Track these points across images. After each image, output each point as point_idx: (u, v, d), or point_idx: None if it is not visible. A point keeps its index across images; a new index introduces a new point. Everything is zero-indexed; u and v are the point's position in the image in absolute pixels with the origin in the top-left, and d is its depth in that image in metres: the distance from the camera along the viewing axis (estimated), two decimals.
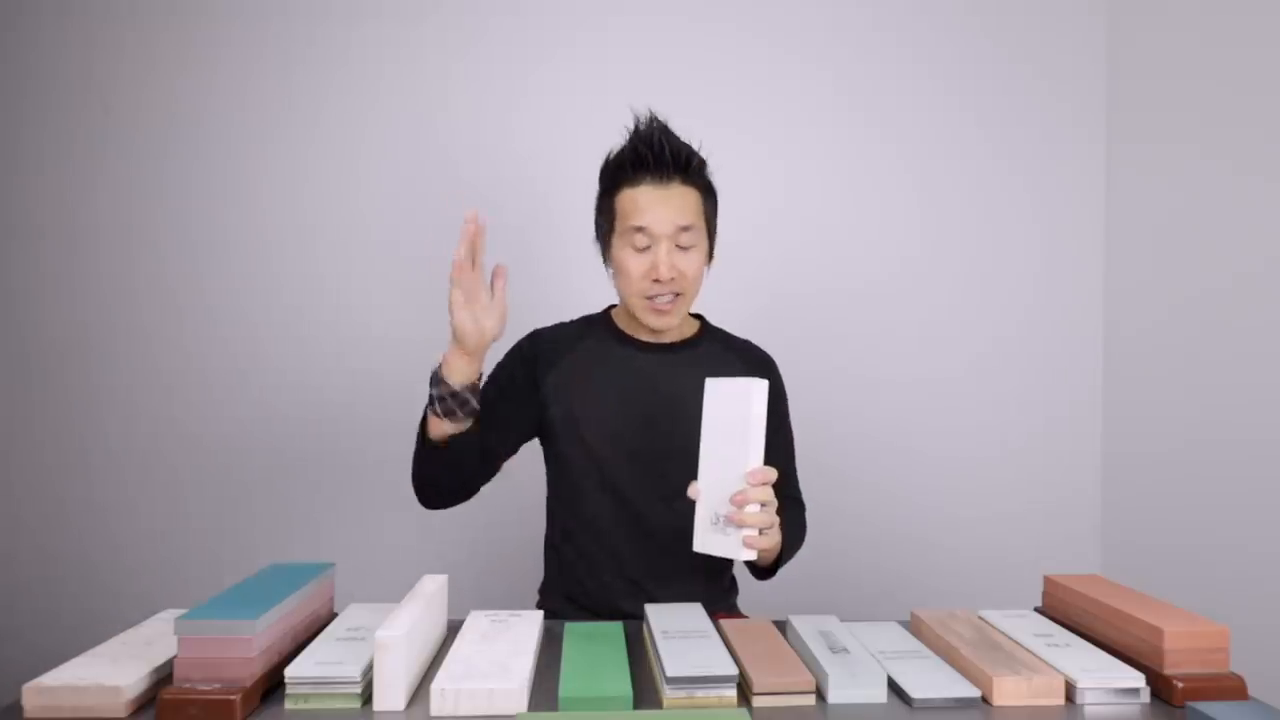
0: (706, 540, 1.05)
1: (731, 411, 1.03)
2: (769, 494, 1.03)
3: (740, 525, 1.01)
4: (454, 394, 1.16)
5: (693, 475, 1.09)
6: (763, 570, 1.29)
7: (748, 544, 1.01)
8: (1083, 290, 2.18)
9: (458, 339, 1.13)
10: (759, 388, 1.02)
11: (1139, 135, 2.08)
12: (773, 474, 1.03)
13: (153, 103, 2.05)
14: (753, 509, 1.01)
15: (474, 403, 1.17)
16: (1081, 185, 2.17)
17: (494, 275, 1.16)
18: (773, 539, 1.06)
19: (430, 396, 1.17)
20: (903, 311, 2.15)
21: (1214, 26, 1.86)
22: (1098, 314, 2.18)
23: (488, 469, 1.32)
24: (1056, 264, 2.17)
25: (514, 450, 1.38)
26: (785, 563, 1.29)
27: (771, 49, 2.12)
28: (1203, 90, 1.88)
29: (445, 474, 1.25)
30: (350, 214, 2.08)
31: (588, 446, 1.33)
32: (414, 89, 2.08)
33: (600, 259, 1.38)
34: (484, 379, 1.35)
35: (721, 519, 1.03)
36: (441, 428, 1.19)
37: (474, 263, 1.12)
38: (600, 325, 1.41)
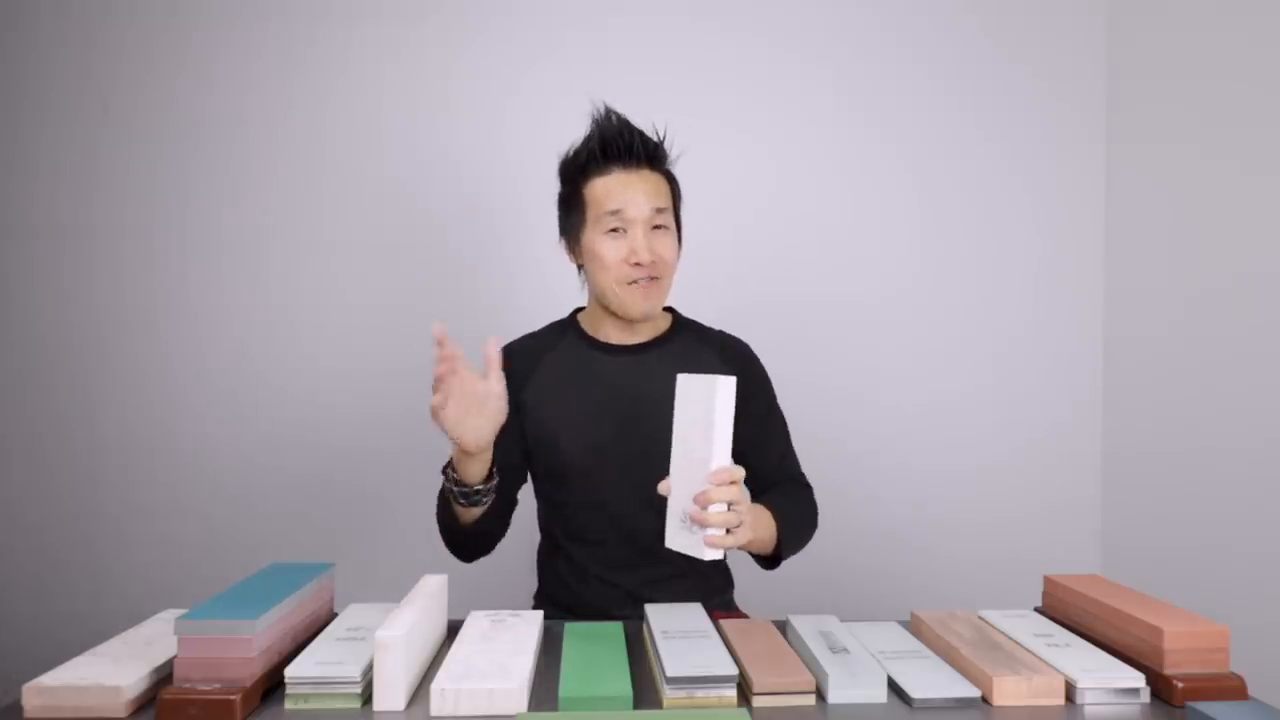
0: (675, 538, 1.04)
1: (699, 409, 1.01)
2: (734, 493, 0.99)
3: (703, 525, 0.98)
4: (476, 490, 1.16)
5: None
6: (766, 560, 1.27)
7: (709, 543, 0.99)
8: (1083, 291, 2.17)
9: (455, 443, 1.10)
10: (725, 385, 0.99)
11: (1139, 135, 2.08)
12: (739, 473, 1.00)
13: (152, 103, 2.05)
14: (717, 508, 0.98)
15: (493, 487, 1.18)
16: (1081, 185, 2.17)
17: (487, 360, 1.07)
18: (741, 537, 1.04)
19: (451, 492, 1.17)
20: (903, 312, 2.15)
21: (1214, 26, 1.86)
22: (1098, 315, 2.18)
23: (511, 509, 1.35)
24: (1056, 265, 2.17)
25: (525, 479, 1.39)
26: (793, 549, 1.27)
27: (771, 49, 2.12)
28: (1203, 90, 1.88)
29: (484, 539, 1.28)
30: (349, 214, 2.08)
31: (567, 459, 1.32)
32: (414, 90, 2.08)
33: (566, 259, 1.38)
34: None
35: (689, 517, 1.01)
36: (470, 514, 1.20)
37: (455, 370, 1.05)
38: (569, 331, 1.39)
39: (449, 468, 1.17)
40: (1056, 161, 2.16)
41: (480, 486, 1.16)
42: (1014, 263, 2.17)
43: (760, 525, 1.14)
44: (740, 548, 1.10)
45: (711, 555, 1.00)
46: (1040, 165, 2.16)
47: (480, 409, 1.08)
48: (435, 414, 1.06)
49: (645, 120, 1.33)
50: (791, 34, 2.12)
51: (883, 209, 2.15)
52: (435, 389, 1.05)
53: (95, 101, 2.05)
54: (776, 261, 2.13)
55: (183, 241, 2.07)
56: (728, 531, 1.00)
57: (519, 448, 1.34)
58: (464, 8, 2.08)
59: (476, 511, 1.20)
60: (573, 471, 1.32)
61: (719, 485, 0.98)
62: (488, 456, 1.15)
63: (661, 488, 1.05)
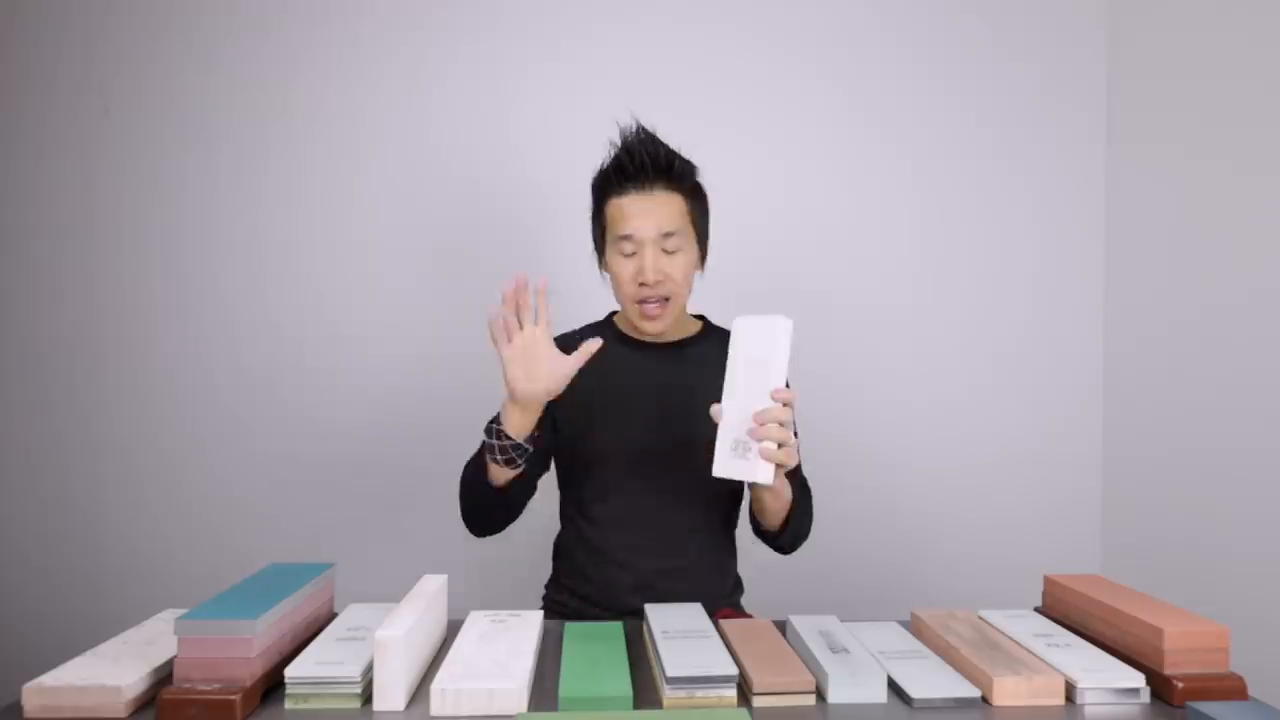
0: (726, 465, 1.11)
1: (757, 345, 1.09)
2: (789, 414, 1.08)
3: (761, 439, 1.06)
4: (515, 445, 1.19)
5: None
6: (771, 534, 1.32)
7: (765, 455, 1.06)
8: (1083, 291, 2.17)
9: (515, 398, 1.16)
10: (784, 324, 1.08)
11: (1139, 135, 2.08)
12: (795, 394, 1.08)
13: (152, 103, 2.05)
14: (771, 428, 1.06)
15: (531, 451, 1.21)
16: (1081, 185, 2.17)
17: (539, 292, 1.16)
18: (791, 458, 1.10)
19: (490, 445, 1.19)
20: (903, 312, 2.15)
21: (1214, 26, 1.86)
22: (1098, 315, 2.18)
23: (530, 493, 1.36)
24: (1057, 265, 2.17)
25: (548, 467, 1.43)
26: (789, 536, 1.32)
27: (771, 49, 2.12)
28: (1203, 90, 1.88)
29: (503, 511, 1.30)
30: (350, 214, 2.08)
31: (598, 448, 1.37)
32: (417, 88, 2.08)
33: (598, 268, 1.43)
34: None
35: (741, 443, 1.08)
36: (504, 474, 1.22)
37: (522, 324, 1.14)
38: (605, 330, 1.44)
39: (494, 423, 1.19)
40: (1056, 161, 2.16)
41: (522, 443, 1.19)
42: (1015, 263, 2.17)
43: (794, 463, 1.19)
44: (784, 465, 1.12)
45: (765, 478, 1.08)
46: (1040, 165, 2.16)
47: (541, 368, 1.14)
48: (504, 363, 1.14)
49: (662, 125, 1.36)
50: (791, 34, 2.12)
51: (883, 209, 2.15)
52: (505, 334, 1.14)
53: (95, 101, 2.05)
54: (777, 261, 2.12)
55: (182, 241, 2.07)
56: (780, 448, 1.07)
57: (548, 436, 1.37)
58: (467, 5, 2.08)
59: (510, 473, 1.22)
60: (603, 460, 1.37)
61: (779, 405, 1.06)
62: (534, 418, 1.20)
63: (714, 412, 1.11)
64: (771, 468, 1.08)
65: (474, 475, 1.27)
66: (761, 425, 1.06)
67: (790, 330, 1.08)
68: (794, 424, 1.45)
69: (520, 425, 1.18)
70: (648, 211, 1.30)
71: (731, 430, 1.10)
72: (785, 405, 1.07)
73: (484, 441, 1.21)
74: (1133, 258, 2.09)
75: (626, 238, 1.30)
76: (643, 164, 1.31)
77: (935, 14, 2.14)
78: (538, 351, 1.15)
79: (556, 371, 1.16)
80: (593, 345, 1.17)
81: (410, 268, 2.09)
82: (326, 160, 2.07)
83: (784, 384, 1.07)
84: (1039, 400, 2.17)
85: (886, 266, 2.15)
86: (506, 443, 1.18)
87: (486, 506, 1.29)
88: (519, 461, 1.20)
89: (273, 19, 2.06)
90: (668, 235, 1.30)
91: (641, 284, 1.30)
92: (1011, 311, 2.17)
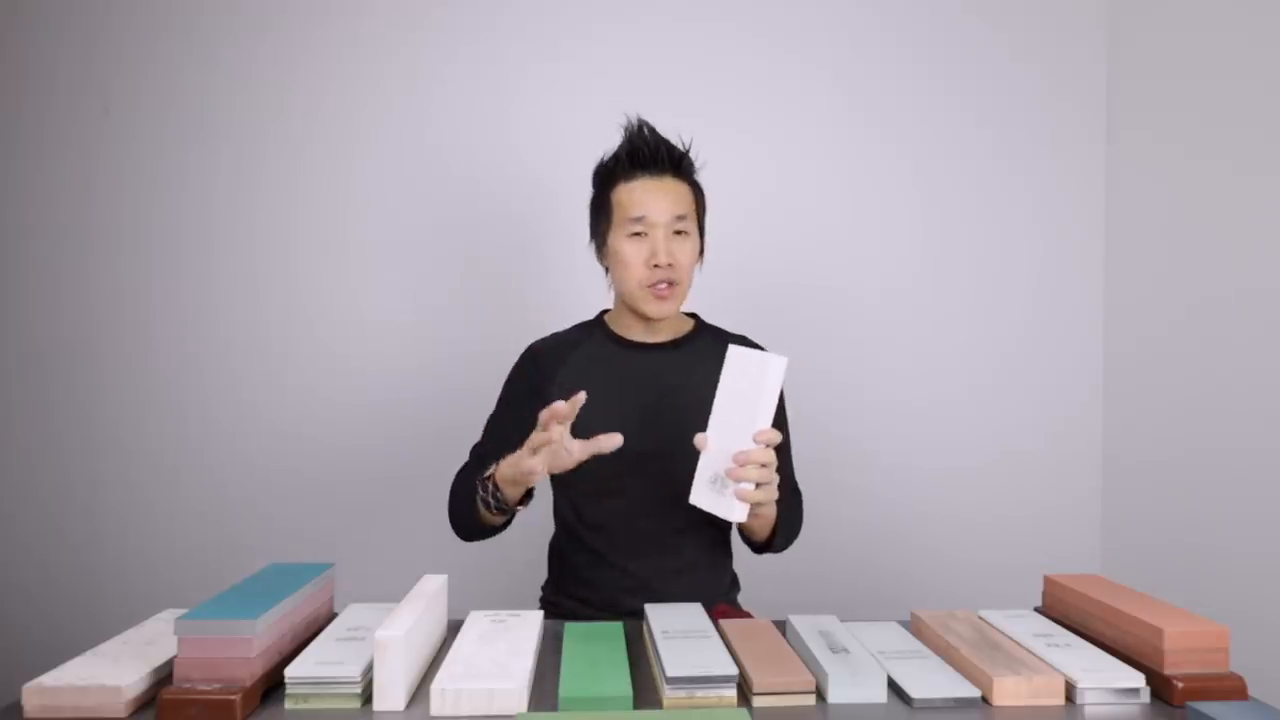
0: (702, 496, 1.11)
1: (747, 381, 1.08)
2: (771, 456, 1.07)
3: (739, 480, 1.06)
4: (514, 509, 1.26)
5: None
6: (758, 545, 1.34)
7: (741, 496, 1.06)
8: (1083, 291, 2.17)
9: (524, 477, 1.17)
10: (777, 363, 1.06)
11: (1139, 135, 2.08)
12: (777, 436, 1.08)
13: (152, 103, 2.05)
14: (751, 469, 1.06)
15: (527, 502, 1.27)
16: (1081, 185, 2.17)
17: (572, 403, 1.14)
18: (768, 495, 1.11)
19: (485, 499, 1.24)
20: (903, 312, 2.15)
21: (1214, 26, 1.86)
22: (1098, 315, 2.18)
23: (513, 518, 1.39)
24: (1057, 265, 2.17)
25: (533, 494, 1.43)
26: (780, 542, 1.33)
27: (771, 49, 2.12)
28: (1203, 90, 1.88)
29: (491, 533, 1.35)
30: (349, 214, 2.08)
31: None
32: (416, 88, 2.08)
33: (596, 261, 1.42)
34: (495, 405, 1.43)
35: (720, 478, 1.08)
36: (493, 518, 1.28)
37: (550, 427, 1.13)
38: (596, 330, 1.44)
39: (491, 480, 1.22)
40: (1056, 161, 2.16)
41: (519, 507, 1.27)
42: (1015, 263, 2.17)
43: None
44: (760, 504, 1.13)
45: (739, 516, 1.08)
46: (1040, 165, 2.16)
47: (555, 454, 1.15)
48: (528, 467, 1.14)
49: (662, 125, 1.37)
50: (791, 34, 2.12)
51: (883, 209, 2.15)
52: (535, 449, 1.13)
53: (95, 101, 2.05)
54: (776, 261, 2.13)
55: (182, 241, 2.07)
56: (757, 487, 1.08)
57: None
58: (468, 4, 2.08)
59: (501, 519, 1.29)
60: (597, 461, 1.34)
61: (760, 446, 1.06)
62: (528, 487, 1.24)
63: (698, 441, 1.12)
64: (746, 507, 1.08)
65: (463, 504, 1.31)
66: (741, 466, 1.06)
67: (783, 370, 1.07)
68: (788, 456, 1.45)
69: (517, 494, 1.23)
70: (660, 195, 1.32)
71: (711, 463, 1.10)
72: (767, 446, 1.08)
73: (478, 493, 1.24)
74: (1133, 258, 2.09)
75: (638, 219, 1.31)
76: (656, 151, 1.33)
77: (935, 14, 2.14)
78: (558, 447, 1.16)
79: (566, 461, 1.17)
80: (613, 439, 1.15)
81: (410, 267, 2.09)
82: (326, 160, 2.07)
83: (769, 424, 1.07)
84: (1039, 400, 2.17)
85: (886, 267, 2.15)
86: (506, 506, 1.23)
87: (473, 528, 1.33)
88: (513, 514, 1.27)
89: (272, 19, 2.06)
90: (679, 218, 1.32)
91: (655, 266, 1.31)
92: (1011, 311, 2.17)
